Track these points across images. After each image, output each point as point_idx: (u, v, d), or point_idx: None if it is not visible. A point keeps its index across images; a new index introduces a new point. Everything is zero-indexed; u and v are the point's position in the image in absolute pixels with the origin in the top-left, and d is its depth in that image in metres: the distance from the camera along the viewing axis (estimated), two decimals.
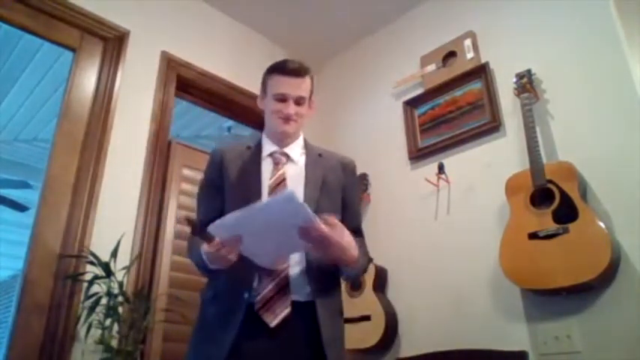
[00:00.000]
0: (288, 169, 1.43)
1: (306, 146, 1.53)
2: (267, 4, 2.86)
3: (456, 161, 2.40)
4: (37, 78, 3.39)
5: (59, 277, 1.87)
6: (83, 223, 1.97)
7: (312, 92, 1.50)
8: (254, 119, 3.00)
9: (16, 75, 3.37)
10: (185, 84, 2.60)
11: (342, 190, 1.47)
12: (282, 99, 1.43)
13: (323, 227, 1.17)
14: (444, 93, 2.54)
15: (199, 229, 1.18)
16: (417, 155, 2.57)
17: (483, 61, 2.41)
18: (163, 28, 2.56)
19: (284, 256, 1.28)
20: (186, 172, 2.40)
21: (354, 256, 1.28)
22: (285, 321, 1.24)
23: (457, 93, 2.49)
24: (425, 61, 2.68)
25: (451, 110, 2.49)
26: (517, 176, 2.01)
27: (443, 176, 2.37)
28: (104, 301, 1.81)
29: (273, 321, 1.24)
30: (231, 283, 1.30)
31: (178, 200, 2.31)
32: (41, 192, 1.98)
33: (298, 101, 1.44)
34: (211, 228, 1.14)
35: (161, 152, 2.32)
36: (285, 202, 1.13)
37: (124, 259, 1.96)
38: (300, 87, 1.44)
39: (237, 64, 2.85)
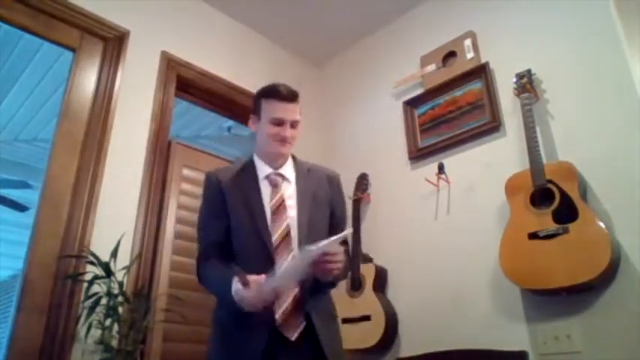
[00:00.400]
0: (285, 190, 1.53)
1: (296, 162, 1.62)
2: (267, 4, 2.86)
3: (456, 161, 2.40)
4: (37, 78, 3.39)
5: (59, 277, 1.86)
6: (83, 223, 1.97)
7: (301, 115, 1.61)
8: None
9: (16, 75, 3.37)
10: (185, 84, 2.60)
11: (330, 203, 1.57)
12: (279, 123, 1.52)
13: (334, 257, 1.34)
14: (444, 93, 2.54)
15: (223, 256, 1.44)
16: (417, 155, 2.57)
17: (483, 61, 2.41)
18: (163, 28, 2.56)
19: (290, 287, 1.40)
20: (186, 172, 2.40)
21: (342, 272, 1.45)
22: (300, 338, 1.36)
23: (457, 93, 2.49)
24: (425, 61, 2.68)
25: (451, 110, 2.49)
26: (517, 176, 2.01)
27: (443, 176, 2.37)
28: (104, 301, 1.81)
29: (292, 336, 1.35)
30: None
31: (178, 200, 2.31)
32: (41, 192, 1.97)
33: (293, 125, 1.54)
34: (267, 283, 1.29)
35: (161, 152, 2.32)
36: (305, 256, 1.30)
37: (124, 259, 1.96)
38: (295, 111, 1.54)
39: (237, 64, 2.85)
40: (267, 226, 1.45)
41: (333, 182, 1.62)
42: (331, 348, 1.38)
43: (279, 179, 1.54)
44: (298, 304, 1.38)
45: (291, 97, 1.54)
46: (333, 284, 1.51)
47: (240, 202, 1.49)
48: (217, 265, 1.46)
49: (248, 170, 1.57)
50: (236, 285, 1.31)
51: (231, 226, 1.47)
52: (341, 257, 1.36)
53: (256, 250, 1.43)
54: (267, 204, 1.49)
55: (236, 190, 1.51)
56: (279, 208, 1.48)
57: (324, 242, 1.28)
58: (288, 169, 1.59)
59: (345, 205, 1.68)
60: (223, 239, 1.48)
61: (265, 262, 1.39)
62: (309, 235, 1.43)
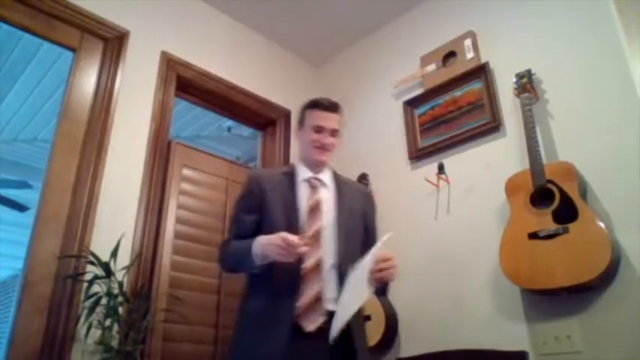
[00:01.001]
0: (323, 193, 1.63)
1: (334, 174, 1.73)
2: (267, 5, 2.86)
3: (456, 161, 2.40)
4: (37, 78, 3.39)
5: (59, 277, 1.87)
6: (83, 222, 1.97)
7: (342, 126, 1.72)
8: (254, 119, 3.01)
9: (16, 75, 3.37)
10: (185, 84, 2.60)
11: (364, 216, 1.69)
12: (320, 130, 1.65)
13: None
14: (444, 93, 2.54)
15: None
16: (417, 155, 2.57)
17: (483, 61, 2.41)
18: (163, 28, 2.56)
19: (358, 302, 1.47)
20: (186, 172, 2.40)
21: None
22: (322, 328, 1.42)
23: (457, 93, 2.49)
24: (425, 61, 2.68)
25: (451, 110, 2.49)
26: (517, 176, 2.01)
27: (443, 176, 2.37)
28: (104, 301, 1.81)
29: (310, 327, 1.42)
30: (279, 294, 1.45)
31: (178, 200, 2.31)
32: (41, 192, 1.98)
33: (333, 133, 1.66)
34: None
35: (161, 152, 2.32)
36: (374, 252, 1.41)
37: (124, 259, 1.96)
38: (334, 121, 1.67)
39: (237, 64, 2.85)
40: (300, 224, 1.52)
41: (367, 198, 1.78)
42: (361, 344, 1.48)
43: (318, 183, 1.65)
44: (319, 299, 1.45)
45: (331, 107, 1.67)
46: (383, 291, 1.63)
47: (277, 200, 1.58)
48: (239, 241, 1.56)
49: (289, 173, 1.68)
50: (263, 237, 1.43)
51: (265, 222, 1.54)
52: (395, 261, 1.45)
53: None
54: (304, 204, 1.58)
55: (275, 188, 1.60)
56: (315, 208, 1.57)
57: (373, 250, 1.39)
58: (327, 177, 1.69)
59: (376, 219, 1.78)
60: (250, 234, 1.54)
61: (294, 263, 1.46)
62: (342, 237, 1.54)
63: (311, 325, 1.42)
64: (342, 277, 1.47)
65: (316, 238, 1.51)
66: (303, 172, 1.67)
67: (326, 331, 1.40)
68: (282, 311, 1.42)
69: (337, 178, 1.72)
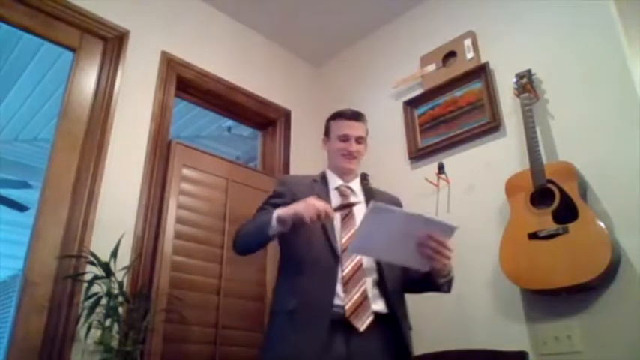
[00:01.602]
0: (354, 201, 1.63)
1: (363, 183, 1.79)
2: (267, 4, 2.86)
3: (456, 161, 2.40)
4: (37, 78, 3.39)
5: (59, 277, 1.87)
6: (83, 223, 1.97)
7: (367, 134, 1.77)
8: (254, 119, 3.01)
9: (16, 75, 3.37)
10: (185, 84, 2.60)
11: None
12: (345, 139, 1.69)
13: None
14: (444, 93, 2.54)
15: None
16: (417, 155, 2.57)
17: (483, 61, 2.41)
18: (163, 28, 2.56)
19: (396, 259, 1.47)
20: (186, 172, 2.39)
21: (450, 269, 1.49)
22: (369, 328, 1.43)
23: (457, 93, 2.49)
24: (425, 61, 2.68)
25: (451, 110, 2.49)
26: (517, 176, 2.01)
27: (443, 176, 2.37)
28: (104, 301, 1.81)
29: (362, 326, 1.42)
30: (316, 293, 1.46)
31: (178, 200, 2.31)
32: (41, 192, 1.97)
33: (358, 140, 1.71)
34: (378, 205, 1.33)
35: (161, 152, 2.32)
36: (433, 223, 1.36)
37: (124, 259, 1.96)
38: (359, 129, 1.72)
39: (237, 64, 2.85)
40: (335, 230, 1.54)
41: (397, 205, 1.76)
42: (411, 353, 1.49)
43: (349, 191, 1.68)
44: (366, 298, 1.46)
45: (355, 116, 1.73)
46: (436, 285, 1.51)
47: None
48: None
49: (320, 181, 1.71)
50: (314, 201, 1.42)
51: (297, 229, 1.50)
52: (449, 252, 1.38)
53: (322, 251, 1.51)
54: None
55: (308, 194, 1.58)
56: (348, 215, 1.58)
57: (429, 216, 1.35)
58: (356, 186, 1.73)
59: None
60: None
61: (331, 263, 1.49)
62: None
63: (363, 324, 1.42)
64: (382, 277, 1.51)
65: (352, 205, 1.54)
66: (333, 181, 1.70)
67: (377, 328, 1.43)
68: (324, 309, 1.42)
69: (366, 187, 1.77)
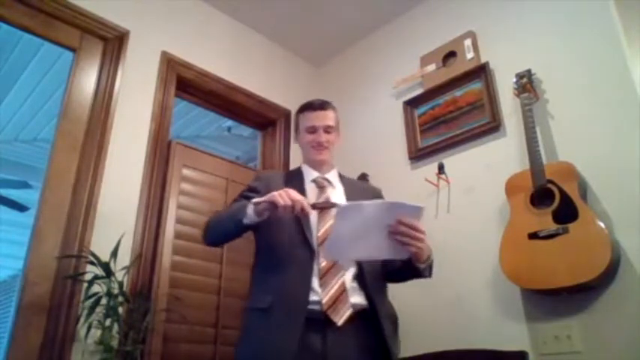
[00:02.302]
0: (331, 193, 1.61)
1: (340, 176, 1.73)
2: (267, 4, 2.86)
3: (456, 161, 2.40)
4: (37, 78, 3.39)
5: (59, 277, 1.87)
6: (83, 223, 1.97)
7: (338, 123, 1.72)
8: (254, 119, 3.01)
9: (16, 75, 3.37)
10: (185, 84, 2.60)
11: None
12: (313, 130, 1.65)
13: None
14: (444, 93, 2.54)
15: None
16: (417, 155, 2.57)
17: (483, 61, 2.41)
18: (163, 28, 2.56)
19: (373, 255, 1.42)
20: (186, 172, 2.40)
21: (428, 253, 1.48)
22: (347, 323, 1.39)
23: (457, 93, 2.49)
24: (425, 61, 2.68)
25: (451, 110, 2.49)
26: (517, 176, 2.01)
27: (443, 176, 2.37)
28: (104, 301, 1.82)
29: (340, 320, 1.38)
30: (291, 289, 1.41)
31: (178, 200, 2.31)
32: (41, 192, 1.98)
33: (327, 130, 1.66)
34: (342, 207, 1.31)
35: (161, 152, 2.32)
36: (399, 207, 1.30)
37: (124, 259, 1.96)
38: (326, 118, 1.67)
39: (237, 64, 2.85)
40: (310, 223, 1.49)
41: (377, 196, 1.73)
42: (394, 345, 1.44)
43: (325, 182, 1.64)
44: (344, 291, 1.42)
45: (321, 106, 1.68)
46: (417, 271, 1.48)
47: None
48: None
49: (296, 175, 1.68)
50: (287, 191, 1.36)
51: (272, 223, 1.47)
52: (422, 234, 1.33)
53: (296, 244, 1.47)
54: (312, 201, 1.55)
55: (281, 188, 1.55)
56: (326, 208, 1.53)
57: (394, 201, 1.30)
58: (334, 177, 1.69)
59: None
60: None
61: (306, 257, 1.44)
62: None
63: (341, 318, 1.39)
64: (361, 270, 1.47)
65: (329, 206, 1.48)
66: (309, 174, 1.67)
67: (355, 323, 1.40)
68: (299, 305, 1.38)
69: (344, 179, 1.72)
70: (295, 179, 1.64)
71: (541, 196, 1.90)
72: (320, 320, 1.38)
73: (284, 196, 1.34)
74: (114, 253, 1.89)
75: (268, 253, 1.52)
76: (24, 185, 4.27)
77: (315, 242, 1.47)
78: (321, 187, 1.62)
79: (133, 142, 2.24)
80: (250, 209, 1.39)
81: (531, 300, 1.95)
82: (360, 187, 1.72)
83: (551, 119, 2.11)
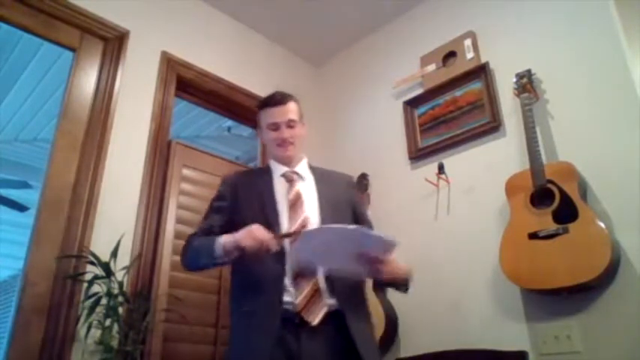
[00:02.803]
0: (301, 186, 1.59)
1: (310, 167, 1.69)
2: (267, 4, 2.86)
3: (456, 161, 2.40)
4: (37, 78, 3.39)
5: (59, 277, 1.86)
6: (83, 223, 1.96)
7: (301, 115, 1.67)
8: (254, 119, 3.00)
9: (16, 75, 3.37)
10: (185, 84, 2.60)
11: (352, 206, 1.63)
12: (275, 127, 1.61)
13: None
14: (444, 93, 2.54)
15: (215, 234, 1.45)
16: (417, 155, 2.57)
17: (483, 61, 2.41)
18: (163, 28, 2.56)
19: (336, 269, 1.42)
20: (186, 172, 2.39)
21: (404, 277, 1.52)
22: (323, 323, 1.38)
23: (457, 93, 2.49)
24: (425, 61, 2.68)
25: (451, 110, 2.49)
26: (517, 176, 2.01)
27: (443, 176, 2.37)
28: (104, 301, 1.81)
29: (315, 320, 1.37)
30: (265, 292, 1.41)
31: (178, 200, 2.31)
32: (41, 192, 1.97)
33: (289, 124, 1.61)
34: (306, 232, 1.35)
35: (161, 152, 2.32)
36: (367, 237, 1.33)
37: (124, 259, 1.96)
38: (287, 112, 1.61)
39: (237, 64, 2.85)
40: (279, 220, 1.48)
41: (351, 185, 1.72)
42: (366, 350, 1.39)
43: (295, 176, 1.61)
44: (318, 291, 1.41)
45: (280, 100, 1.62)
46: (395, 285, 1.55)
47: (253, 198, 1.55)
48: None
49: (265, 171, 1.66)
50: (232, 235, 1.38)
51: (240, 224, 1.45)
52: (391, 266, 1.40)
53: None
54: (283, 199, 1.54)
55: (251, 187, 1.56)
56: (296, 202, 1.53)
57: (371, 232, 1.34)
58: (304, 170, 1.65)
59: (366, 206, 1.71)
60: (217, 232, 1.51)
61: (279, 259, 1.43)
62: None
63: (315, 317, 1.38)
64: (329, 277, 1.45)
65: (295, 234, 1.44)
66: (278, 169, 1.63)
67: (329, 324, 1.39)
68: (274, 308, 1.38)
69: (315, 170, 1.68)
70: (264, 176, 1.62)
71: (541, 196, 1.90)
72: (295, 321, 1.37)
73: (249, 240, 1.34)
74: (114, 253, 1.89)
75: (243, 258, 1.49)
76: (24, 185, 4.27)
77: (287, 242, 1.45)
78: (290, 180, 1.59)
79: (133, 142, 2.24)
80: (219, 250, 1.40)
81: (531, 300, 1.95)
82: (330, 177, 1.67)
83: (551, 119, 2.11)
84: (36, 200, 1.98)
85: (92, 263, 1.85)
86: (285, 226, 1.48)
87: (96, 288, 1.83)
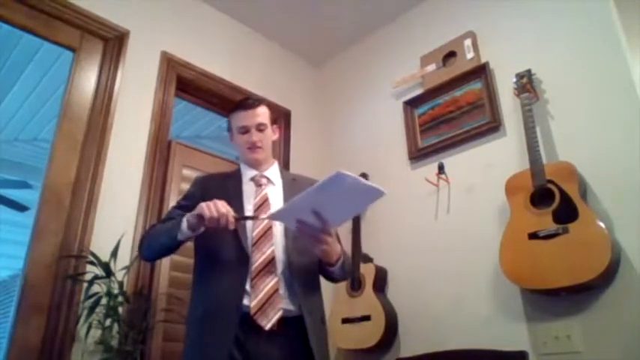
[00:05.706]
0: (270, 191, 1.60)
1: (281, 171, 1.72)
2: (267, 4, 2.86)
3: (456, 161, 2.40)
4: (37, 78, 3.39)
5: (59, 277, 1.87)
6: (83, 223, 1.97)
7: (271, 120, 1.70)
8: None
9: (16, 75, 3.37)
10: (185, 84, 2.60)
11: None
12: (244, 131, 1.64)
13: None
14: (444, 93, 2.54)
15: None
16: (417, 155, 2.57)
17: (483, 61, 2.41)
18: (163, 28, 2.56)
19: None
20: (186, 172, 2.40)
21: (338, 252, 1.46)
22: (276, 327, 1.38)
23: (457, 93, 2.49)
24: (425, 61, 2.68)
25: (451, 110, 2.49)
26: (517, 176, 2.01)
27: (443, 176, 2.38)
28: (104, 301, 1.81)
29: (267, 324, 1.37)
30: (222, 296, 1.41)
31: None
32: (41, 192, 1.97)
33: (259, 128, 1.64)
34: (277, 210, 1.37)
35: (161, 152, 2.32)
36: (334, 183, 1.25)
37: (124, 259, 1.96)
38: (256, 116, 1.64)
39: (237, 64, 2.85)
40: (245, 227, 1.49)
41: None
42: (319, 354, 1.40)
43: (264, 180, 1.63)
44: (275, 294, 1.41)
45: (249, 104, 1.65)
46: (335, 273, 1.51)
47: (220, 198, 1.50)
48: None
49: (234, 175, 1.67)
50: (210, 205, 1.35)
51: (209, 234, 1.44)
52: (328, 238, 1.36)
53: (231, 250, 1.46)
54: (250, 203, 1.55)
55: (219, 189, 1.56)
56: (262, 205, 1.54)
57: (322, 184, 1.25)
58: (274, 174, 1.68)
59: None
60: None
61: (241, 262, 1.43)
62: (292, 232, 1.47)
63: (269, 322, 1.37)
64: (292, 274, 1.45)
65: (255, 218, 1.46)
66: (247, 172, 1.65)
67: (284, 328, 1.38)
68: (230, 312, 1.37)
69: (284, 175, 1.70)
70: (234, 179, 1.64)
71: (541, 196, 1.90)
72: (249, 325, 1.37)
73: (211, 208, 1.32)
74: (114, 253, 1.89)
75: (204, 264, 1.51)
76: (24, 185, 4.27)
77: (249, 245, 1.46)
78: (259, 185, 1.61)
79: (133, 142, 2.24)
80: (184, 224, 1.39)
81: (531, 300, 1.95)
82: (302, 184, 1.62)
83: (551, 119, 2.11)
84: (36, 200, 1.98)
85: (92, 263, 1.85)
86: (249, 229, 1.48)
87: (96, 288, 1.83)
